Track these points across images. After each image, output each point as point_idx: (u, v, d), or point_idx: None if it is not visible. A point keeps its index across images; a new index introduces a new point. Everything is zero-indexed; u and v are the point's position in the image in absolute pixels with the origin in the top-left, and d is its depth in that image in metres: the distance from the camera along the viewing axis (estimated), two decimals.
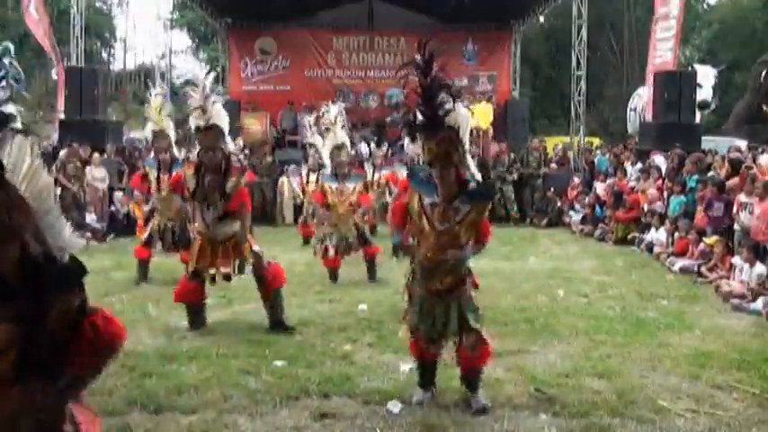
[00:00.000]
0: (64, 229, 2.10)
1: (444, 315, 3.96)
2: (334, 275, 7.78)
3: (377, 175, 11.31)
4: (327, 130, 7.98)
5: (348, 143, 7.96)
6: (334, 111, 7.92)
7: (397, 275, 7.72)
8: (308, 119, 10.98)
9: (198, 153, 5.43)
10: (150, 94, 8.03)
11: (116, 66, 36.51)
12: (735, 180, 8.78)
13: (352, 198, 7.70)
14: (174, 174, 7.61)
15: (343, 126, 7.96)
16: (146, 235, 7.83)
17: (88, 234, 10.73)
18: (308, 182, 10.81)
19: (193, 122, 5.29)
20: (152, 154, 8.08)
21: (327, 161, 8.03)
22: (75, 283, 2.11)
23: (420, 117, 3.79)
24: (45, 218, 2.06)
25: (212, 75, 5.54)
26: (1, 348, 1.96)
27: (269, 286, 5.71)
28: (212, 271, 5.57)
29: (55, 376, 2.07)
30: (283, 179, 13.82)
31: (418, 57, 3.72)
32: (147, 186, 7.85)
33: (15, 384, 1.99)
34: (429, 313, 3.99)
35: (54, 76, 23.12)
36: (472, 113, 15.28)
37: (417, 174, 4.02)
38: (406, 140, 9.73)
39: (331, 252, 7.69)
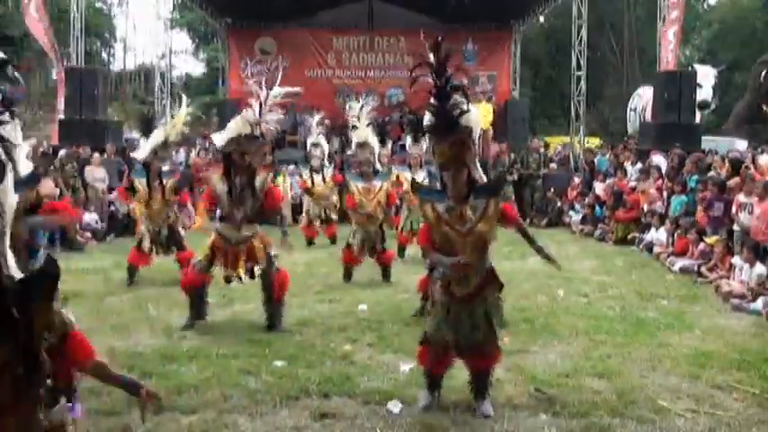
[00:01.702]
0: (10, 259, 2.01)
1: (470, 321, 3.85)
2: (348, 274, 7.66)
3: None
4: (354, 127, 7.85)
5: (374, 141, 7.77)
6: (357, 107, 7.84)
7: (397, 276, 7.76)
8: (314, 119, 10.96)
9: (228, 156, 5.57)
10: (182, 105, 7.97)
11: (116, 66, 36.54)
12: (735, 180, 8.78)
13: (380, 196, 7.56)
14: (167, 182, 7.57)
15: (368, 124, 7.84)
16: (136, 240, 7.78)
17: (88, 234, 10.74)
18: (312, 183, 10.73)
19: (243, 130, 5.51)
20: (140, 164, 7.86)
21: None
22: (49, 292, 2.02)
23: (431, 118, 3.71)
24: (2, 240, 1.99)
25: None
26: None
27: (275, 293, 5.76)
28: (225, 272, 5.73)
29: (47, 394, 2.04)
30: (279, 179, 13.80)
31: (432, 57, 3.66)
32: (130, 197, 7.78)
33: (14, 408, 1.95)
34: (455, 321, 3.85)
35: (54, 76, 23.11)
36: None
37: (422, 186, 3.95)
38: (408, 140, 9.59)
39: (355, 249, 7.56)
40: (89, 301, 6.66)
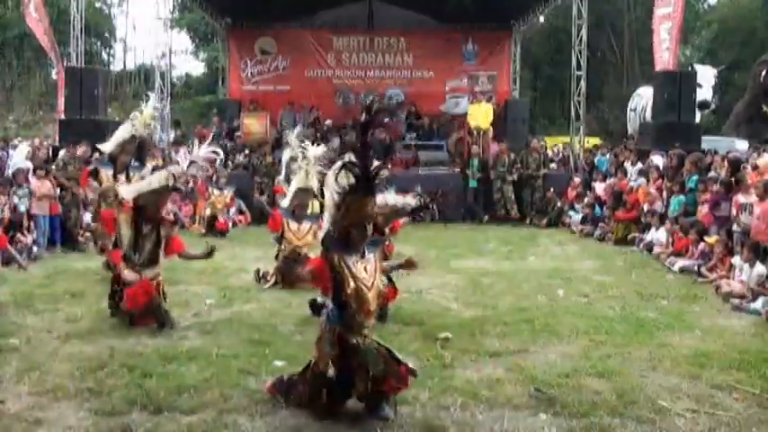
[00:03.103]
0: None
1: (365, 359, 3.82)
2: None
3: None
4: (300, 168, 7.57)
5: (315, 186, 7.53)
6: (313, 154, 7.51)
7: (396, 276, 7.75)
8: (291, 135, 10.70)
9: (140, 207, 5.79)
10: (148, 98, 8.01)
11: (116, 66, 36.54)
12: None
13: (308, 237, 7.52)
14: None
15: (318, 171, 7.45)
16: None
17: (88, 234, 10.72)
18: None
19: (164, 181, 5.75)
20: (106, 156, 7.99)
21: (287, 199, 7.75)
22: None
23: (354, 176, 3.67)
24: None
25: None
26: None
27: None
28: None
29: None
30: (279, 179, 13.79)
31: (364, 116, 3.68)
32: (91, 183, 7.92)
33: None
34: (351, 361, 3.86)
35: (54, 76, 23.14)
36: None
37: (333, 241, 3.85)
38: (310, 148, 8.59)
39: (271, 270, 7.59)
40: (89, 301, 6.66)
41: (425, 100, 18.36)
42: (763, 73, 18.14)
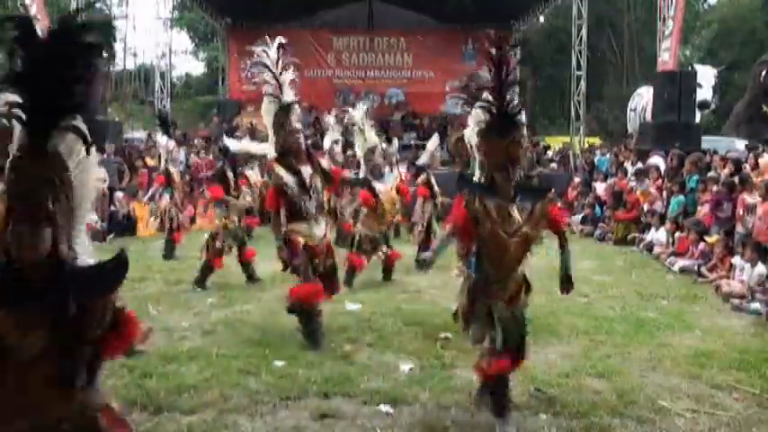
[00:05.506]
0: (83, 238, 2.06)
1: (514, 323, 3.75)
2: (352, 278, 7.39)
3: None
4: (360, 130, 7.64)
5: (379, 143, 7.72)
6: (359, 113, 7.65)
7: (398, 276, 7.76)
8: (330, 118, 10.87)
9: (290, 146, 5.35)
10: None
11: (116, 66, 36.52)
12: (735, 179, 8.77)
13: (392, 193, 7.54)
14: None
15: (372, 126, 7.76)
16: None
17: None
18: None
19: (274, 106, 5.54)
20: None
21: (362, 167, 7.70)
22: (117, 284, 2.12)
23: (490, 115, 3.55)
24: (77, 224, 2.02)
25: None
26: (33, 354, 1.93)
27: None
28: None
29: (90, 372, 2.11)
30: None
31: (494, 50, 3.50)
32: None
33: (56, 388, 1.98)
34: (500, 320, 3.72)
35: None
36: None
37: (468, 179, 3.80)
38: (432, 141, 9.62)
39: (367, 252, 7.47)
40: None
41: (425, 100, 18.38)
42: (763, 73, 18.10)
